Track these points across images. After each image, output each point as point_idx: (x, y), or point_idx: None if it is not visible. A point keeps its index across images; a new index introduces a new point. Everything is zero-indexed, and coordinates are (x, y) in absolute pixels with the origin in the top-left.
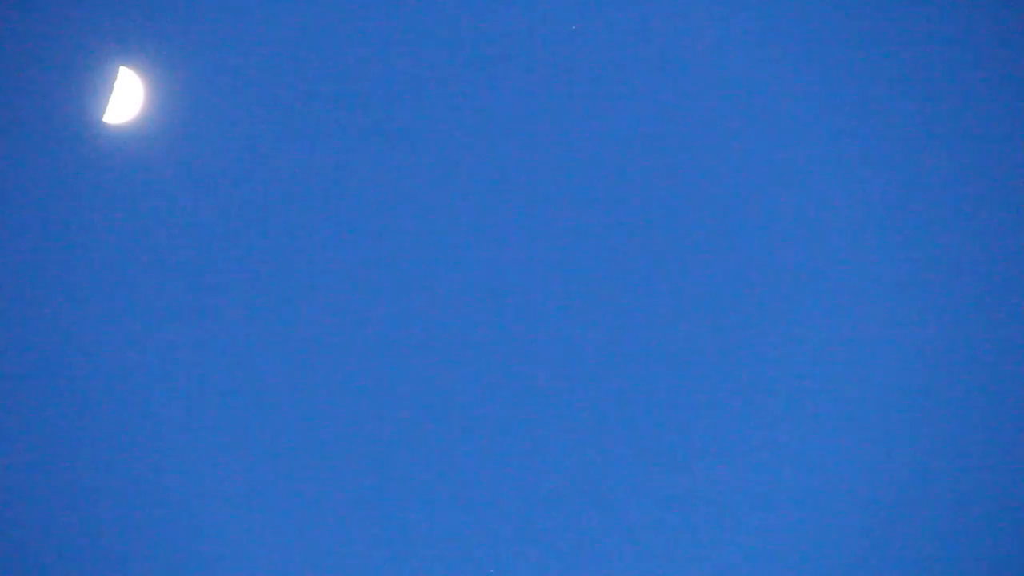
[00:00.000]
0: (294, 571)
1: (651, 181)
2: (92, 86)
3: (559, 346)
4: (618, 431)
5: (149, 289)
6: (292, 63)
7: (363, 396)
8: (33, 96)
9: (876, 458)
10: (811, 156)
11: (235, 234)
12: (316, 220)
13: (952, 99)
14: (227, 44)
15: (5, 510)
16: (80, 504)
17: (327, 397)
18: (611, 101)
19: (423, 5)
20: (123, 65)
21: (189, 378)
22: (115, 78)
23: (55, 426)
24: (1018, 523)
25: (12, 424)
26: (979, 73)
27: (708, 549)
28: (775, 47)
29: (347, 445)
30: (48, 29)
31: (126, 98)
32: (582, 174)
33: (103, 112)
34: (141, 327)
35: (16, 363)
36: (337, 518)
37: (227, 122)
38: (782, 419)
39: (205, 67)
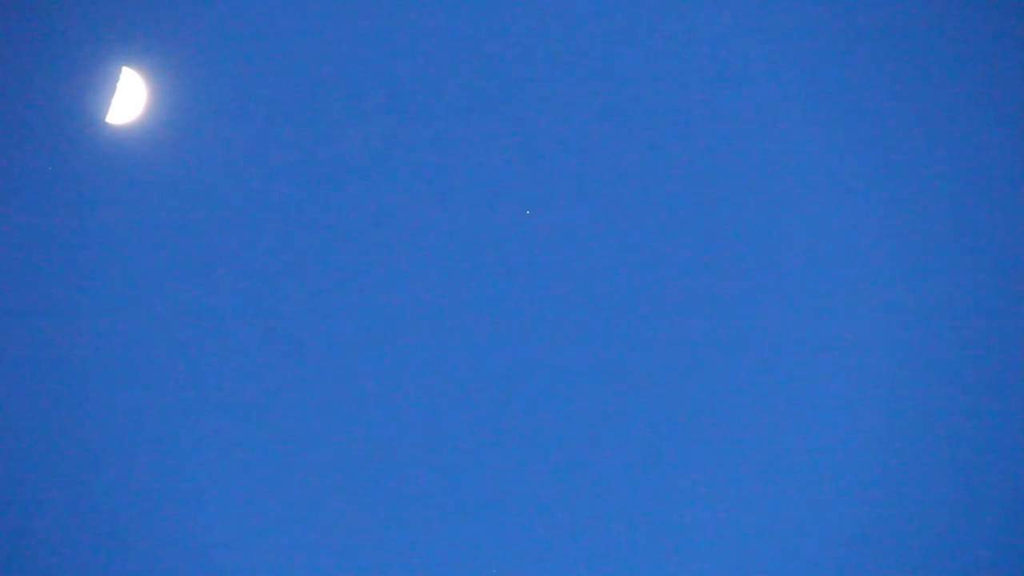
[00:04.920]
0: (294, 571)
1: (651, 181)
2: (95, 86)
3: (559, 346)
4: (618, 431)
5: (151, 289)
6: (294, 63)
7: (364, 396)
8: (35, 96)
9: (875, 458)
10: (811, 156)
11: (237, 234)
12: (318, 220)
13: (952, 99)
14: (229, 44)
15: (6, 510)
16: (80, 504)
17: (328, 397)
18: (611, 101)
19: (424, 5)
20: (125, 65)
21: (190, 378)
22: (117, 78)
23: (55, 426)
24: (1018, 523)
25: (12, 424)
26: (978, 73)
27: (708, 549)
28: (775, 46)
29: (348, 445)
30: (50, 29)
31: (128, 98)
32: (582, 174)
33: (106, 112)
34: (143, 327)
35: (17, 363)
36: (338, 518)
37: (229, 122)
38: (781, 419)
39: (207, 68)
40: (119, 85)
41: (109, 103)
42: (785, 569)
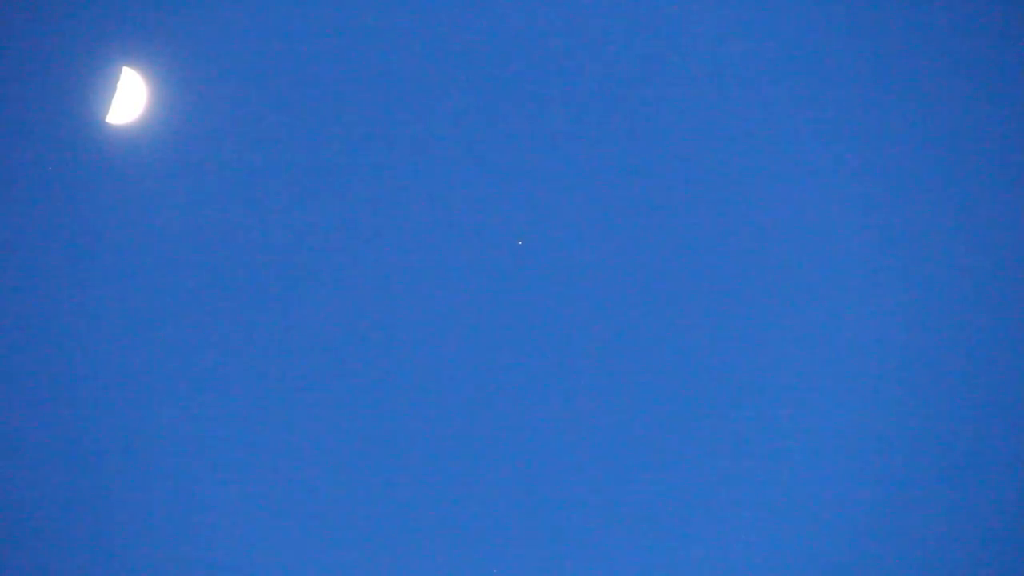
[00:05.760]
0: (294, 571)
1: (651, 181)
2: (95, 86)
3: (559, 346)
4: (618, 432)
5: (151, 289)
6: (294, 63)
7: (364, 396)
8: (36, 96)
9: (875, 459)
10: (810, 156)
11: (237, 234)
12: (318, 220)
13: (951, 99)
14: (229, 44)
15: (6, 510)
16: (80, 504)
17: (327, 397)
18: (611, 102)
19: (423, 5)
20: (126, 65)
21: (190, 378)
22: (118, 78)
23: (55, 426)
24: (1017, 523)
25: (12, 424)
26: (978, 73)
27: (707, 549)
28: (775, 46)
29: (348, 446)
30: (50, 29)
31: (129, 98)
32: (582, 175)
33: (106, 112)
34: (143, 327)
35: (17, 363)
36: (338, 519)
37: (229, 123)
38: (781, 419)
39: (207, 67)
40: (119, 85)
41: (109, 103)
42: (785, 569)
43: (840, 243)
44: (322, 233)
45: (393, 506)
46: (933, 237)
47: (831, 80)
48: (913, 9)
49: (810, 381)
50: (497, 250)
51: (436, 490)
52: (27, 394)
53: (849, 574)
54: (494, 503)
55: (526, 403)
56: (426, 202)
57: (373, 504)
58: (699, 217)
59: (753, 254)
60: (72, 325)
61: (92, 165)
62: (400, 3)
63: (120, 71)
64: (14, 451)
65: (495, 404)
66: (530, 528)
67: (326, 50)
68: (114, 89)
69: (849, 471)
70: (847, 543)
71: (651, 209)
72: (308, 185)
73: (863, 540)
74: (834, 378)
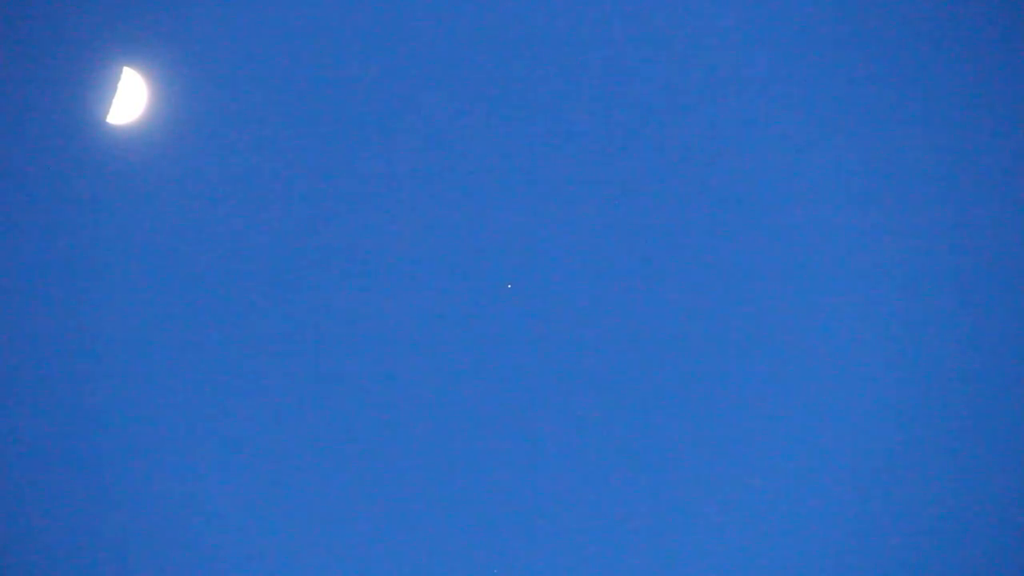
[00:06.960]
0: (293, 571)
1: (652, 182)
2: (95, 87)
3: (559, 346)
4: (618, 433)
5: (151, 289)
6: (295, 63)
7: (364, 398)
8: (36, 97)
9: (875, 458)
10: (811, 155)
11: (237, 235)
12: (318, 220)
13: (952, 98)
14: (230, 45)
15: (6, 510)
16: (80, 504)
17: (327, 398)
18: (612, 101)
19: (424, 5)
20: (126, 66)
21: (190, 378)
22: (118, 79)
23: (56, 426)
24: (1017, 523)
25: (12, 424)
26: (978, 73)
27: (706, 549)
28: (776, 45)
29: (349, 446)
30: (51, 30)
31: (129, 99)
32: (582, 174)
33: (106, 113)
34: (143, 327)
35: (17, 363)
36: (339, 520)
37: (230, 123)
38: (781, 419)
39: (208, 68)
40: (119, 85)
41: (109, 103)
42: (785, 569)
43: (838, 244)
44: (323, 233)
45: (393, 506)
46: (932, 238)
47: (831, 80)
48: (913, 9)
49: (808, 382)
50: (497, 250)
51: (436, 490)
52: (27, 394)
53: (847, 573)
54: (494, 503)
55: (526, 403)
56: (428, 203)
57: (373, 504)
58: (697, 218)
59: (750, 255)
60: (72, 325)
61: (92, 165)
62: (400, 4)
63: (120, 71)
64: (13, 452)
65: (495, 404)
66: (530, 528)
67: (326, 50)
68: (114, 89)
69: (848, 471)
70: (846, 543)
71: (649, 210)
72: (308, 185)
73: (862, 540)
74: (832, 379)
